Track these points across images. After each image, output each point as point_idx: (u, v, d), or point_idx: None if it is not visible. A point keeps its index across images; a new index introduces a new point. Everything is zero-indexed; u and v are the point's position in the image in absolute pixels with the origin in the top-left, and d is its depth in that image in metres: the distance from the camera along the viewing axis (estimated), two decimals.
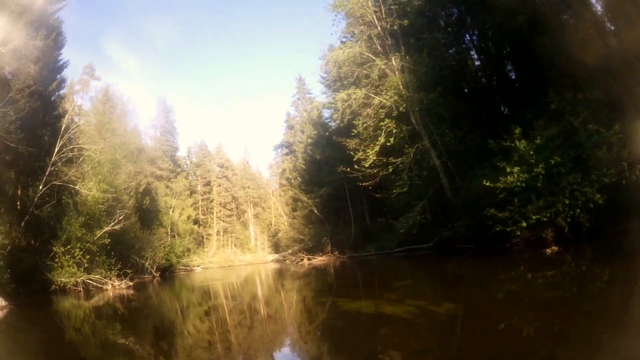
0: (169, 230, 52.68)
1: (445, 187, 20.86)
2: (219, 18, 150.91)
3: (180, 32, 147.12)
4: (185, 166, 75.17)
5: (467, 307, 8.53)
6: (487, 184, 14.50)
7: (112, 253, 28.10)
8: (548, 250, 13.94)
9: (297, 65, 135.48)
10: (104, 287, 23.99)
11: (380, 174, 21.85)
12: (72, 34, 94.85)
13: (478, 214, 18.04)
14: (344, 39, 41.84)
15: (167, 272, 40.43)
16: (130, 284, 26.17)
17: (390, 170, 21.25)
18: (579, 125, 13.50)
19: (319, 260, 31.26)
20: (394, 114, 20.87)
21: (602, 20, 15.76)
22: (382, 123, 20.86)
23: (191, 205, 67.27)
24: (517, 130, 14.57)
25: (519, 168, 13.90)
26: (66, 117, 28.23)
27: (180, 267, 47.87)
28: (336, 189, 38.19)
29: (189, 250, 54.78)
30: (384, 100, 20.88)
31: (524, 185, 13.78)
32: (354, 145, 23.00)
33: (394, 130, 20.61)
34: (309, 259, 31.95)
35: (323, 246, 32.84)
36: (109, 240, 27.76)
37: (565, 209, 13.33)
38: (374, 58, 22.17)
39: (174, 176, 66.20)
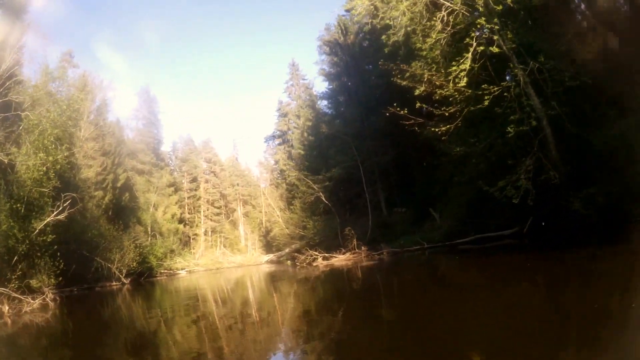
0: (149, 229, 43.82)
1: (549, 140, 12.50)
2: (204, 9, 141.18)
3: (166, 27, 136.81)
4: (169, 161, 66.33)
5: None
6: None
7: (58, 254, 19.86)
8: None
9: (287, 59, 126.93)
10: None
11: (465, 111, 13.20)
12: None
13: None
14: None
15: (144, 278, 31.56)
16: (48, 302, 17.01)
17: (486, 103, 12.49)
18: None
19: (341, 259, 22.66)
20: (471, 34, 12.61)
21: None
22: (478, 21, 12.32)
23: (176, 203, 58.58)
24: None
25: None
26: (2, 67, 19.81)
27: (163, 271, 39.11)
28: (348, 170, 29.88)
29: (172, 251, 45.92)
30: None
31: None
32: (407, 81, 14.45)
33: (495, 37, 12.04)
34: (324, 258, 23.24)
35: (341, 241, 24.55)
36: (52, 236, 19.42)
37: None
38: None
39: (157, 171, 57.40)
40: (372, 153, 29.57)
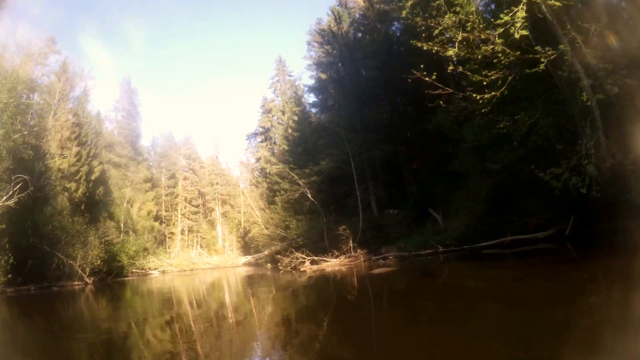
0: (122, 226, 40.58)
1: (598, 125, 10.00)
2: (190, 6, 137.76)
3: (150, 23, 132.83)
4: (148, 156, 63.01)
5: None
6: None
7: (7, 246, 17.11)
8: None
9: (271, 58, 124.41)
10: None
11: (509, 79, 10.50)
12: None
13: None
14: None
15: (111, 277, 28.46)
16: None
17: (542, 67, 9.62)
18: None
19: (334, 264, 19.39)
20: None
21: None
22: None
23: (152, 200, 55.29)
24: None
25: None
26: None
27: (134, 270, 36.09)
28: (337, 164, 27.17)
29: (146, 250, 42.78)
30: None
31: None
32: (434, 42, 11.65)
33: None
34: (313, 262, 19.98)
35: (327, 243, 21.93)
36: (2, 226, 16.61)
37: None
38: None
39: (134, 165, 54.09)
40: (364, 148, 27.08)
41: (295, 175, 27.91)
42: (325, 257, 20.26)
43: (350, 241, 19.83)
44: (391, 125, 26.97)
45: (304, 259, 20.24)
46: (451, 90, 11.33)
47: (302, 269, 19.68)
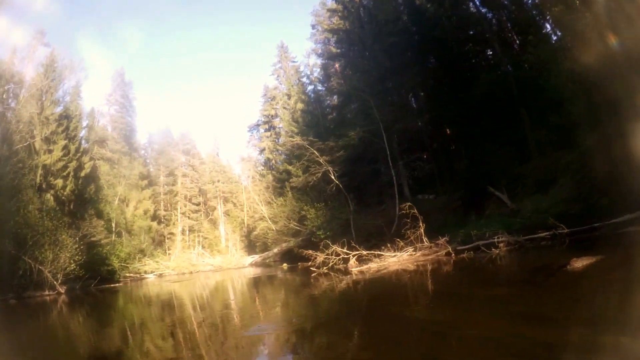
0: (114, 225, 35.32)
1: None
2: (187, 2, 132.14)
3: (147, 20, 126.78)
4: (144, 152, 57.88)
5: None
6: None
7: None
8: None
9: (268, 51, 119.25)
10: None
11: None
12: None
13: None
14: None
15: (95, 284, 23.13)
16: None
17: None
18: None
19: (404, 260, 13.03)
20: None
21: None
22: None
23: (149, 198, 50.06)
24: None
25: None
26: None
27: (127, 274, 31.03)
28: (368, 134, 21.69)
29: (142, 252, 37.63)
30: None
31: None
32: None
33: None
34: (359, 259, 14.02)
35: (354, 235, 16.79)
36: None
37: None
38: None
39: (129, 161, 48.78)
40: (392, 119, 21.55)
41: (315, 152, 22.16)
42: (384, 250, 13.84)
43: (421, 227, 13.55)
44: (425, 92, 21.85)
45: (348, 254, 14.28)
46: None
47: (353, 269, 13.48)
